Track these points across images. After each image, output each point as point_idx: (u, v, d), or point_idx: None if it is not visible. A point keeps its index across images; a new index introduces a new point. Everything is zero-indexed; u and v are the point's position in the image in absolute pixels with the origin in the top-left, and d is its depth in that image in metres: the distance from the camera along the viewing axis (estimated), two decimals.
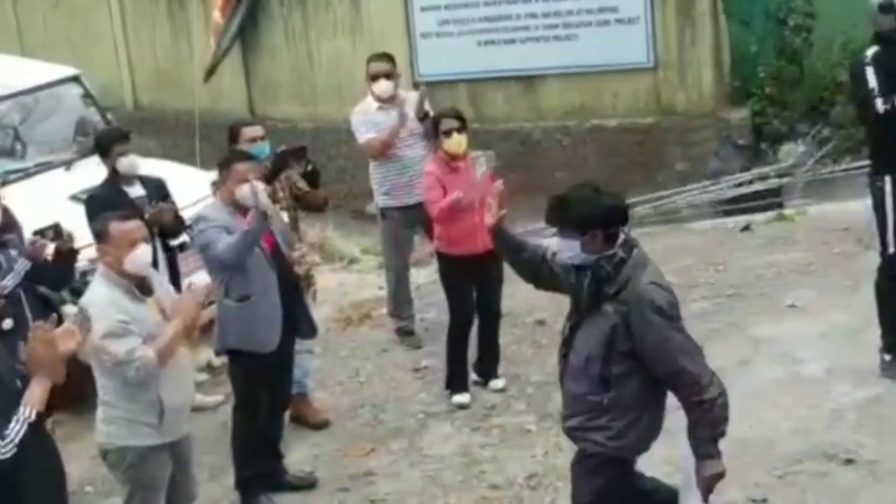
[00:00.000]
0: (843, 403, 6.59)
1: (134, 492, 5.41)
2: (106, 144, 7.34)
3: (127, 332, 5.11)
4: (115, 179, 7.27)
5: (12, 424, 4.34)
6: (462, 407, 7.24)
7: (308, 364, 7.32)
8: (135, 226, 5.31)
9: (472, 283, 7.29)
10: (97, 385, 5.37)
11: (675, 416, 6.80)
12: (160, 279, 5.67)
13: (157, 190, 7.34)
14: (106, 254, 5.24)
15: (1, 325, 4.73)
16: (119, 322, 5.10)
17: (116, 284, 5.20)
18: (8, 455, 4.30)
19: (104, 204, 6.88)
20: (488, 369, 7.45)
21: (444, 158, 7.17)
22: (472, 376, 7.45)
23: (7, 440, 4.31)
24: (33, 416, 4.38)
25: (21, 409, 4.38)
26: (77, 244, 7.40)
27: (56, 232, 6.46)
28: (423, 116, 7.89)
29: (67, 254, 6.46)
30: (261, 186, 6.09)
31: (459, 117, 7.22)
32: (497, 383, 7.42)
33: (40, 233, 6.41)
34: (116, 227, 5.25)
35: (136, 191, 7.24)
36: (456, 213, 7.07)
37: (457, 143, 7.12)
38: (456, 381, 7.35)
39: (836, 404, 6.59)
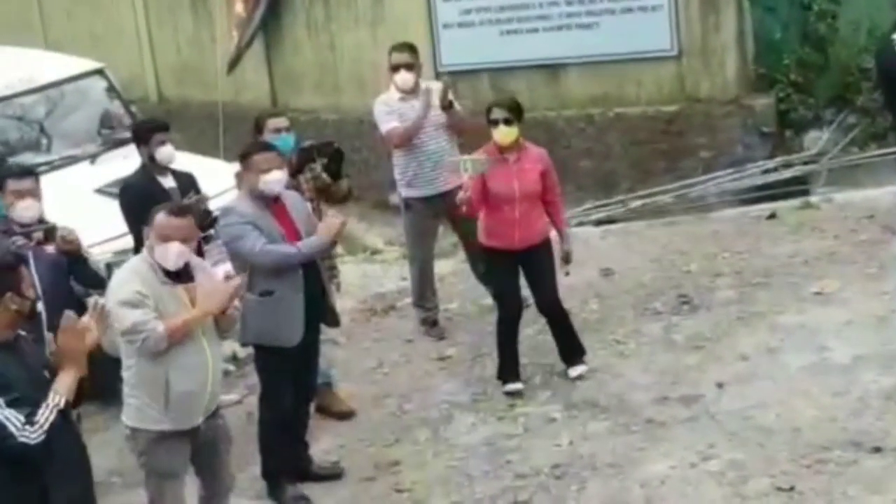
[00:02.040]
0: (870, 391, 6.55)
1: (148, 476, 5.51)
2: (145, 133, 7.38)
3: (141, 303, 5.20)
4: (149, 169, 7.30)
5: (41, 410, 4.48)
6: (515, 394, 7.17)
7: (332, 354, 7.34)
8: (175, 223, 5.36)
9: (516, 275, 7.16)
10: (123, 367, 5.44)
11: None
12: (209, 270, 5.73)
13: (189, 184, 7.37)
14: (147, 237, 5.43)
15: (37, 307, 4.81)
16: (136, 292, 5.20)
17: (148, 263, 5.34)
18: (38, 440, 4.45)
19: (139, 192, 7.01)
20: (571, 356, 7.28)
21: (493, 148, 7.06)
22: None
23: (37, 426, 4.45)
24: (62, 404, 4.52)
25: (51, 395, 4.53)
26: (102, 237, 7.46)
27: (47, 233, 6.30)
28: (447, 106, 7.87)
29: (74, 255, 6.35)
30: (336, 221, 6.17)
31: (512, 108, 7.05)
32: (576, 370, 7.23)
33: (27, 234, 6.27)
34: (160, 218, 5.38)
35: (168, 182, 7.28)
36: (494, 205, 7.00)
37: (502, 134, 6.99)
38: (506, 371, 7.26)
39: (862, 392, 6.55)
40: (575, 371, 7.25)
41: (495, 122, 7.01)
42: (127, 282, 5.28)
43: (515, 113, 7.04)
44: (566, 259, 7.31)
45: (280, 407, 6.28)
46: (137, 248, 6.56)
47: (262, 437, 6.41)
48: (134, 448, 5.51)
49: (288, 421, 6.39)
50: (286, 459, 6.43)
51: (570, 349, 7.30)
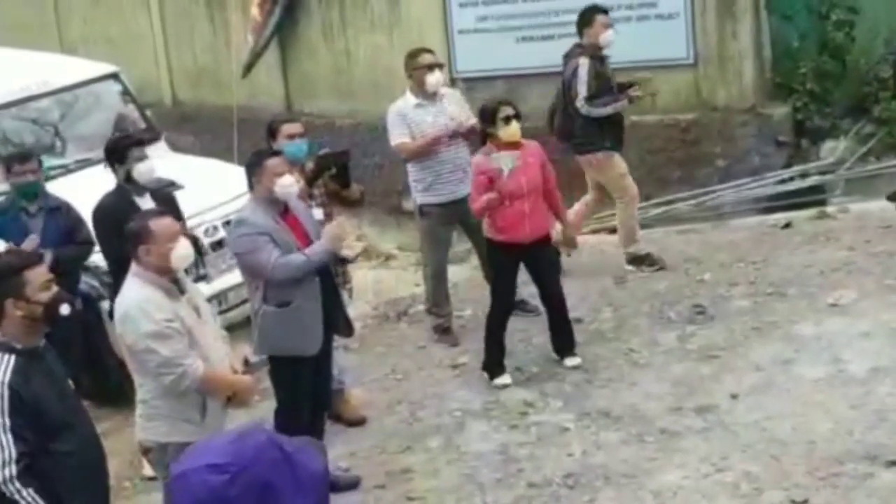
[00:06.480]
0: (887, 404, 6.50)
1: None
2: (122, 150, 7.10)
3: (173, 333, 5.10)
4: (126, 189, 7.05)
5: (32, 490, 4.41)
6: (504, 386, 7.31)
7: (343, 360, 7.31)
8: (172, 221, 5.33)
9: (517, 271, 7.38)
10: (135, 383, 5.39)
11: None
12: (187, 277, 5.70)
13: (167, 205, 6.97)
14: (148, 253, 5.20)
15: (59, 310, 4.64)
16: (164, 322, 5.09)
17: (152, 283, 5.19)
18: (10, 491, 4.37)
19: (113, 215, 6.70)
20: (564, 347, 7.53)
21: (503, 146, 7.15)
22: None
23: (19, 485, 4.38)
24: None
25: None
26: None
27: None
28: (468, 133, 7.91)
29: None
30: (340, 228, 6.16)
31: (513, 105, 7.29)
32: (572, 360, 7.47)
33: None
34: (157, 223, 5.24)
35: (145, 203, 6.99)
36: (504, 199, 7.12)
37: (513, 130, 7.15)
38: (493, 366, 7.43)
39: (879, 405, 6.50)
40: (572, 361, 7.47)
41: (507, 120, 7.13)
42: (150, 312, 5.08)
43: (516, 110, 7.26)
44: (568, 243, 7.74)
45: (298, 420, 6.22)
46: (115, 272, 6.50)
47: None
48: (159, 460, 5.39)
49: (305, 432, 6.34)
50: None
51: (565, 341, 7.53)
